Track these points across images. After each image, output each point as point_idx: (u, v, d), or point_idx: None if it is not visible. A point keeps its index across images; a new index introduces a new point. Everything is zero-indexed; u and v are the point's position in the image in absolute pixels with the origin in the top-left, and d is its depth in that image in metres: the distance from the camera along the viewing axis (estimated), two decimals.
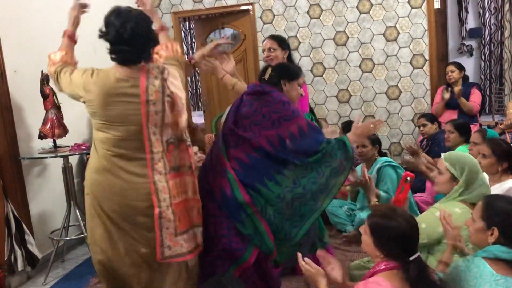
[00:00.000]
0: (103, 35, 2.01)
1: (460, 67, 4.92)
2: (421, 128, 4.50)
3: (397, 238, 1.75)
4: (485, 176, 2.78)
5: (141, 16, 2.02)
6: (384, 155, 3.95)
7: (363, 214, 3.55)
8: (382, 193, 3.55)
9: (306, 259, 1.99)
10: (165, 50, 2.31)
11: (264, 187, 2.32)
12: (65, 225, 3.52)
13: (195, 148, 3.73)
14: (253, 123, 2.42)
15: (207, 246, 2.36)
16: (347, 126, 4.92)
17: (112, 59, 2.06)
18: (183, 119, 2.08)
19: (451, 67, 4.93)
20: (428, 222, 2.28)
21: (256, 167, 2.35)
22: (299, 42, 5.60)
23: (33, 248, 3.30)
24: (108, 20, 1.99)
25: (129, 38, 1.95)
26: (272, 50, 3.11)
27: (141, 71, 2.03)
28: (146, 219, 2.08)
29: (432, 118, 4.51)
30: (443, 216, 2.17)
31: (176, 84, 2.06)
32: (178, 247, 2.12)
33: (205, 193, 2.38)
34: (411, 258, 1.72)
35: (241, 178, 2.34)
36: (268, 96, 2.47)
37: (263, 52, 3.21)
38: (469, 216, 2.28)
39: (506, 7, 6.01)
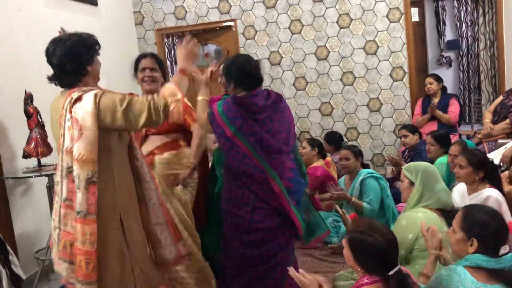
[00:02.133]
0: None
1: (438, 79, 5.03)
2: (403, 139, 4.57)
3: (375, 254, 1.78)
4: (463, 185, 2.87)
5: (63, 38, 2.02)
6: (367, 166, 4.02)
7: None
8: (365, 205, 3.61)
9: (300, 270, 2.01)
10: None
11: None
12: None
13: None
14: (285, 133, 2.52)
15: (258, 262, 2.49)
16: (329, 137, 5.00)
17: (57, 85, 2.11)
18: (75, 149, 1.90)
19: (429, 79, 5.03)
20: (397, 232, 2.34)
21: (296, 167, 2.58)
22: (281, 57, 5.68)
23: (17, 269, 3.25)
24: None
25: (53, 62, 2.01)
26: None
27: (68, 93, 2.01)
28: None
29: (413, 129, 4.60)
30: (423, 227, 2.23)
31: (80, 112, 1.92)
32: (60, 268, 2.04)
33: (267, 215, 2.46)
34: (390, 273, 1.76)
35: (295, 186, 2.50)
36: (275, 104, 2.52)
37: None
38: (432, 219, 2.40)
39: (481, 20, 6.18)
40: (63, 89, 2.08)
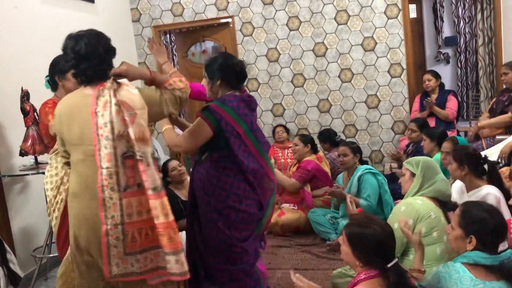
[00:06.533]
0: (66, 63, 2.08)
1: (437, 76, 5.02)
2: (410, 133, 4.55)
3: (374, 245, 1.79)
4: (460, 183, 2.88)
5: (92, 32, 2.07)
6: (365, 163, 4.02)
7: (346, 222, 3.60)
8: (362, 201, 3.62)
9: (297, 275, 2.02)
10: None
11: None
12: (48, 242, 3.48)
13: (175, 162, 3.70)
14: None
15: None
16: (323, 135, 5.01)
17: (79, 82, 2.07)
18: (133, 130, 1.93)
19: (427, 76, 5.03)
20: (399, 219, 2.37)
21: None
22: (279, 54, 5.67)
23: (15, 267, 3.24)
24: (64, 47, 2.05)
25: (86, 53, 1.99)
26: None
27: (97, 86, 2.01)
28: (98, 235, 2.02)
29: (422, 125, 4.53)
30: (402, 227, 2.25)
31: (127, 95, 1.97)
32: (128, 265, 2.01)
33: (259, 207, 2.51)
34: (389, 265, 1.76)
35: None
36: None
37: None
38: (429, 206, 2.44)
39: (479, 16, 6.17)
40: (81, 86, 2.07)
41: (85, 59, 2.00)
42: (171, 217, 1.98)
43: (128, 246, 1.99)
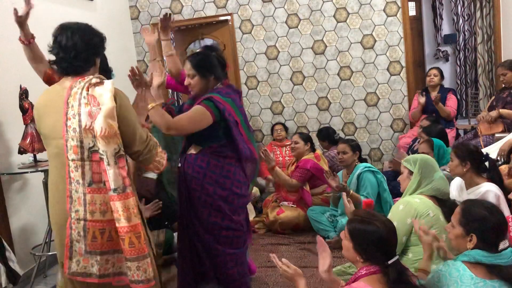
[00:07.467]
0: (50, 51, 2.03)
1: (442, 74, 5.05)
2: (421, 131, 4.54)
3: (376, 241, 1.80)
4: (460, 179, 2.88)
5: (80, 26, 2.02)
6: (364, 161, 4.02)
7: (345, 220, 3.60)
8: (362, 198, 3.61)
9: (283, 260, 2.01)
10: None
11: None
12: (47, 240, 3.49)
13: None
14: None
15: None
16: (322, 133, 5.01)
17: (57, 72, 2.07)
18: (97, 126, 1.85)
19: (434, 71, 5.04)
20: (397, 218, 2.38)
21: None
22: (278, 52, 5.66)
23: (14, 265, 3.24)
24: (52, 34, 2.03)
25: (65, 45, 1.96)
26: None
27: (77, 78, 1.98)
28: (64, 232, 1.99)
29: (434, 122, 4.53)
30: (417, 226, 2.24)
31: (98, 91, 1.89)
32: (88, 265, 1.95)
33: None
34: (389, 262, 1.76)
35: None
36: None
37: None
38: (428, 205, 2.44)
39: (478, 14, 6.16)
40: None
41: (63, 50, 1.97)
42: (136, 221, 1.89)
43: (89, 244, 1.93)
